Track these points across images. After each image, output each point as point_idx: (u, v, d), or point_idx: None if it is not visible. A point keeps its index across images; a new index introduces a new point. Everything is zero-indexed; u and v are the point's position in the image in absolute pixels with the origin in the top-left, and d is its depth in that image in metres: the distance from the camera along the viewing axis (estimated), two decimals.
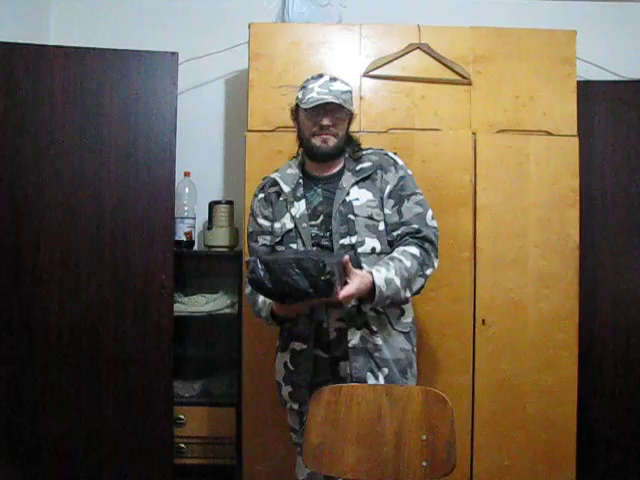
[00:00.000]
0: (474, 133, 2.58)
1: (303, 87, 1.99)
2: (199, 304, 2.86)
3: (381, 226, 1.93)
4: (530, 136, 2.59)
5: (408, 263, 1.85)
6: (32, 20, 3.01)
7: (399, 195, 1.96)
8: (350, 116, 2.02)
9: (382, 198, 1.95)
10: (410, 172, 2.03)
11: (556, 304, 2.55)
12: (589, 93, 2.76)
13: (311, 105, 1.92)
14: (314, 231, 1.94)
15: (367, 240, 1.91)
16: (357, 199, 1.93)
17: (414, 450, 1.65)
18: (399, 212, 1.95)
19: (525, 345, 2.54)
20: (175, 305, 2.70)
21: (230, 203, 2.95)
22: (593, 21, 3.07)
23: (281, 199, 2.02)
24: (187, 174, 2.95)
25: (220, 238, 2.90)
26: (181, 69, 2.70)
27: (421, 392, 1.71)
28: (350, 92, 1.99)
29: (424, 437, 1.66)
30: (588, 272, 2.66)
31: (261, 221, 2.06)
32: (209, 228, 2.94)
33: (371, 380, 1.88)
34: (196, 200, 2.97)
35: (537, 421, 2.53)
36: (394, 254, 1.88)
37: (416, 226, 1.92)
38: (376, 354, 1.90)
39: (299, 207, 1.97)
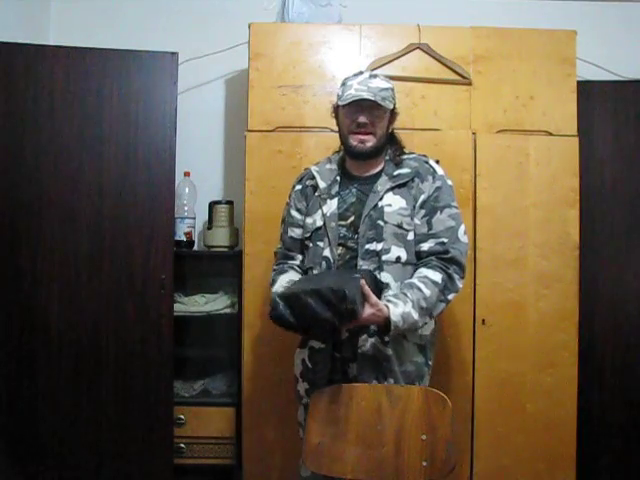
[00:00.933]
0: (474, 133, 2.58)
1: (343, 84, 1.98)
2: (199, 304, 2.86)
3: (410, 236, 1.89)
4: (530, 136, 2.59)
5: (428, 292, 1.81)
6: (32, 20, 3.00)
7: (432, 206, 1.91)
8: (392, 115, 2.00)
9: (415, 207, 1.91)
10: (450, 183, 1.99)
11: (556, 304, 2.55)
12: (589, 93, 2.75)
13: (347, 101, 1.90)
14: (342, 231, 1.92)
15: (393, 248, 1.87)
16: (390, 205, 1.89)
17: (414, 450, 1.66)
18: (429, 223, 1.90)
19: (525, 345, 2.54)
20: (175, 305, 2.70)
21: (230, 203, 2.95)
22: (593, 21, 3.07)
23: (316, 194, 2.02)
24: (187, 174, 2.95)
25: (220, 238, 2.90)
26: (181, 69, 2.70)
27: (421, 392, 1.71)
28: (391, 90, 1.96)
29: (424, 437, 1.66)
30: (588, 272, 2.66)
31: (294, 213, 2.07)
32: (209, 228, 2.94)
33: None
34: (196, 200, 2.97)
35: (537, 421, 2.53)
36: (414, 280, 1.83)
37: (445, 241, 1.87)
38: (384, 363, 1.86)
39: (331, 205, 1.96)
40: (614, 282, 2.78)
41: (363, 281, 1.71)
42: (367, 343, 1.85)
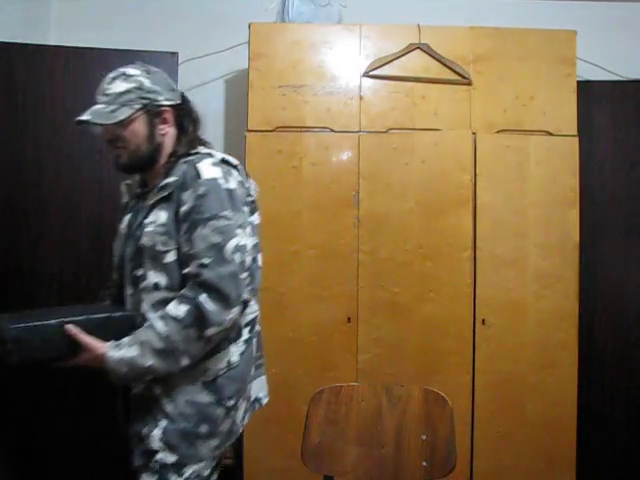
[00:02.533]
0: (474, 133, 2.58)
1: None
2: None
3: (168, 257, 1.51)
4: (530, 136, 2.59)
5: (165, 330, 1.44)
6: (32, 20, 3.00)
7: (194, 219, 1.48)
8: (154, 114, 1.59)
9: (179, 221, 1.51)
10: (228, 186, 1.52)
11: (556, 304, 2.55)
12: (589, 93, 2.75)
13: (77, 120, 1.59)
14: (120, 254, 1.64)
15: (150, 274, 1.52)
16: (152, 222, 1.53)
17: (414, 450, 1.66)
18: (190, 241, 1.48)
19: (525, 345, 2.54)
20: None
21: None
22: (593, 21, 3.06)
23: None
24: None
25: None
26: (181, 69, 2.70)
27: (421, 392, 1.71)
28: (135, 89, 1.58)
29: (424, 437, 1.66)
30: (588, 272, 2.66)
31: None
32: None
33: (145, 432, 1.52)
34: None
35: (537, 421, 2.53)
36: (152, 317, 1.48)
37: (205, 262, 1.45)
38: (153, 404, 1.53)
39: (123, 223, 1.68)
40: (614, 282, 2.78)
41: (70, 326, 1.46)
42: (139, 383, 1.54)
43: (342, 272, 2.54)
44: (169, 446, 1.49)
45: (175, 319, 1.45)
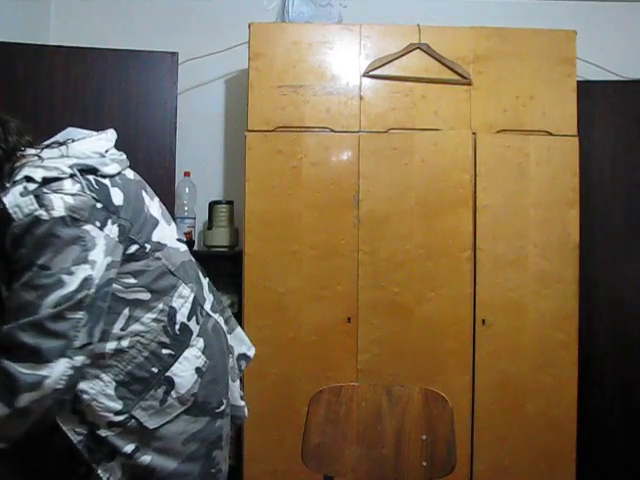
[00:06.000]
0: (474, 133, 2.58)
1: None
2: None
3: None
4: (530, 136, 2.59)
5: None
6: (32, 20, 3.00)
7: (12, 269, 1.15)
8: None
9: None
10: (48, 217, 1.11)
11: (556, 304, 2.55)
12: (589, 93, 2.75)
13: None
14: None
15: None
16: None
17: (414, 450, 1.66)
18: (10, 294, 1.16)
19: (525, 345, 2.54)
20: None
21: (230, 203, 2.95)
22: (593, 21, 3.07)
23: None
24: (187, 174, 2.95)
25: (220, 238, 2.90)
26: (181, 69, 2.70)
27: (421, 392, 1.71)
28: None
29: (424, 437, 1.66)
30: (588, 272, 2.66)
31: None
32: (209, 228, 2.94)
33: None
34: (196, 200, 2.97)
35: (537, 421, 2.53)
36: None
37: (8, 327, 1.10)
38: None
39: None
40: (614, 282, 2.78)
41: None
42: None
43: (342, 272, 2.54)
44: None
45: None
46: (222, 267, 2.96)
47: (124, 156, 1.43)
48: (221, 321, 1.43)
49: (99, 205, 1.19)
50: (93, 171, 1.23)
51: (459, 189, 2.55)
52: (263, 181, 2.56)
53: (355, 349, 2.54)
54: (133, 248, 1.24)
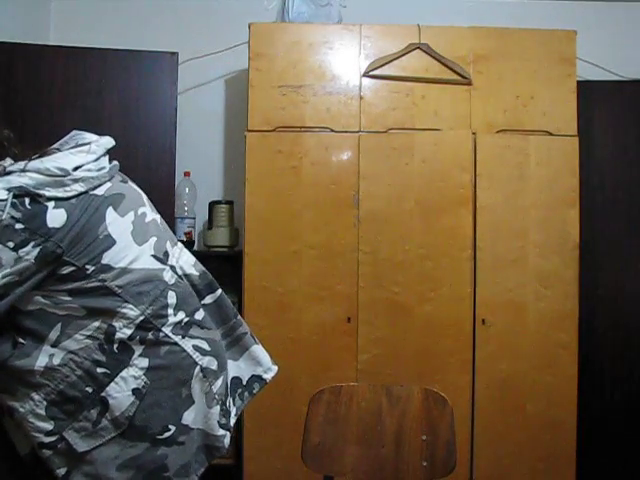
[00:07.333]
0: (474, 133, 2.58)
1: None
2: None
3: None
4: (530, 136, 2.59)
5: None
6: (32, 20, 3.00)
7: None
8: None
9: None
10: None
11: (556, 304, 2.55)
12: (589, 93, 2.75)
13: None
14: None
15: None
16: None
17: (414, 450, 1.66)
18: None
19: (525, 345, 2.54)
20: None
21: (230, 203, 2.95)
22: (593, 21, 3.06)
23: None
24: (187, 174, 2.95)
25: (220, 238, 2.90)
26: (181, 69, 2.70)
27: (421, 392, 1.71)
28: None
29: (424, 437, 1.66)
30: (588, 272, 2.66)
31: None
32: (209, 228, 2.94)
33: None
34: (196, 200, 2.97)
35: (537, 421, 2.53)
36: None
37: None
38: None
39: None
40: (614, 282, 2.78)
41: None
42: None
43: (342, 272, 2.54)
44: None
45: None
46: (222, 267, 2.96)
47: (106, 169, 1.30)
48: (198, 343, 1.29)
49: (18, 226, 1.12)
50: (30, 194, 1.15)
51: (459, 189, 2.55)
52: (263, 181, 2.56)
53: (355, 349, 2.54)
54: (68, 269, 1.17)
